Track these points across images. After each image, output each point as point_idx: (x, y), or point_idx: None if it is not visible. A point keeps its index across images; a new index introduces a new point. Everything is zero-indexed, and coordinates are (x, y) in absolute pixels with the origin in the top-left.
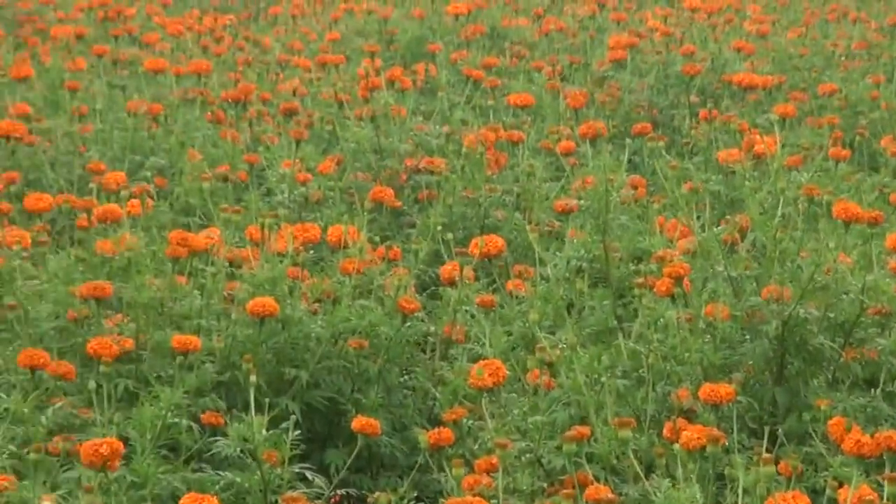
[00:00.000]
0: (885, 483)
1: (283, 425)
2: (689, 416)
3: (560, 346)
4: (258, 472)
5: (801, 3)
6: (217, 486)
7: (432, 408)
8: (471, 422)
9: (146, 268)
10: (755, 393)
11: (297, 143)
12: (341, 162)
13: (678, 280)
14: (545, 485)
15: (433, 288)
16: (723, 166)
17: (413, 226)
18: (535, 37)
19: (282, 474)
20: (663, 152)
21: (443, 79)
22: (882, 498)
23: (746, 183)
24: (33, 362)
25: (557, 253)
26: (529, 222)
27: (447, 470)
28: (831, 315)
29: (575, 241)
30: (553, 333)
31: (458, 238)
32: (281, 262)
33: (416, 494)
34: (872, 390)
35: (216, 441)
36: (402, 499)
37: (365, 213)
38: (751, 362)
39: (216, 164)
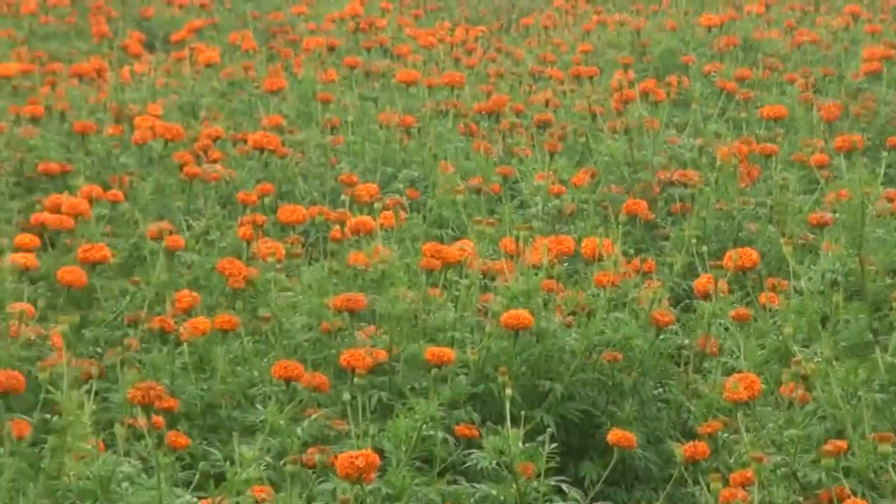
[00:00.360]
0: None
1: (539, 438)
2: None
3: (815, 360)
4: (514, 485)
5: None
6: (472, 499)
7: (686, 421)
8: (726, 435)
9: (400, 280)
10: None
11: (551, 155)
12: (595, 174)
13: None
14: (801, 499)
15: (687, 301)
16: None
17: (667, 238)
18: (787, 49)
19: (537, 487)
20: None
21: (696, 91)
22: None
23: None
24: (288, 374)
25: (812, 266)
26: (783, 235)
27: (702, 483)
28: None
29: (829, 254)
30: (807, 347)
31: (712, 251)
32: (535, 274)
33: None
34: None
35: (471, 453)
36: None
37: (619, 226)
38: None
39: (469, 177)
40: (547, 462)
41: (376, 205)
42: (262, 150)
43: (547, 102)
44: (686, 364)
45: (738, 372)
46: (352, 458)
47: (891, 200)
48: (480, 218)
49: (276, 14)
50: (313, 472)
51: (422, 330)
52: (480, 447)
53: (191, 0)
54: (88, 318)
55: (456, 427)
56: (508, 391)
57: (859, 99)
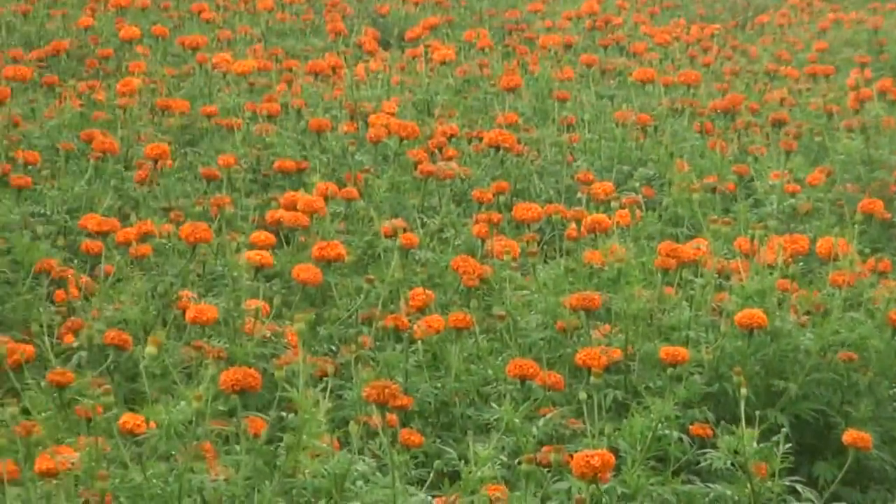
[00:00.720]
0: None
1: (774, 438)
2: None
3: None
4: (748, 485)
5: None
6: (706, 499)
7: None
8: None
9: (635, 278)
10: None
11: (787, 153)
12: (831, 173)
13: None
14: None
15: None
16: None
17: None
18: None
19: (772, 487)
20: None
21: None
22: None
23: None
24: (523, 372)
25: None
26: None
27: None
28: None
29: None
30: None
31: None
32: (770, 273)
33: None
34: None
35: (705, 453)
36: None
37: (855, 225)
38: None
39: (704, 175)
40: (781, 462)
41: (612, 203)
42: (497, 147)
43: (782, 101)
44: None
45: None
46: (587, 457)
47: None
48: (715, 216)
49: (512, 11)
50: (548, 471)
51: (657, 329)
52: (715, 447)
53: None
54: (323, 315)
55: (690, 426)
56: (743, 391)
57: None
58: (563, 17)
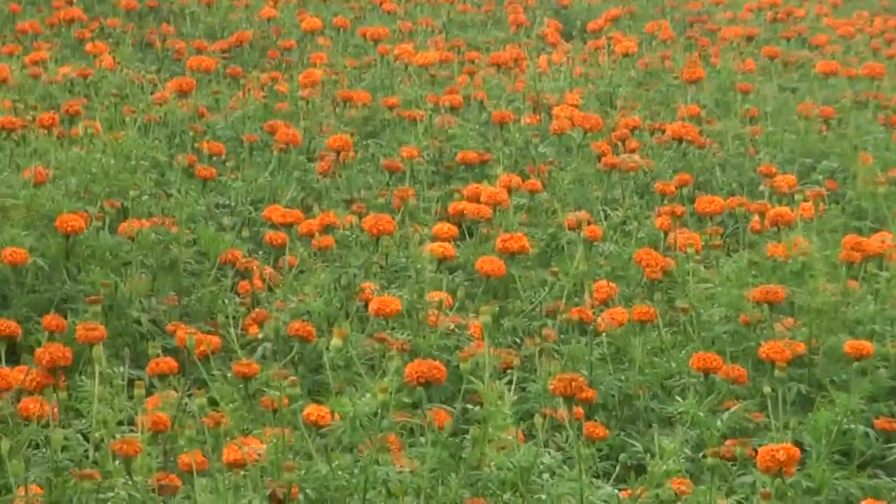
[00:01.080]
0: None
1: None
2: None
3: None
4: None
5: None
6: (893, 493)
7: None
8: None
9: (819, 272)
10: None
11: None
12: None
13: None
14: None
15: None
16: None
17: None
18: None
19: None
20: None
21: None
22: None
23: None
24: (706, 365)
25: None
26: None
27: None
28: None
29: None
30: None
31: None
32: None
33: None
34: None
35: (891, 447)
36: None
37: None
38: None
39: (889, 168)
40: None
41: (796, 196)
42: (680, 140)
43: None
44: None
45: None
46: (772, 451)
47: None
48: None
49: (694, 3)
50: (733, 465)
51: (841, 322)
52: None
53: None
54: (506, 307)
55: (875, 420)
56: None
57: None
58: (745, 8)
